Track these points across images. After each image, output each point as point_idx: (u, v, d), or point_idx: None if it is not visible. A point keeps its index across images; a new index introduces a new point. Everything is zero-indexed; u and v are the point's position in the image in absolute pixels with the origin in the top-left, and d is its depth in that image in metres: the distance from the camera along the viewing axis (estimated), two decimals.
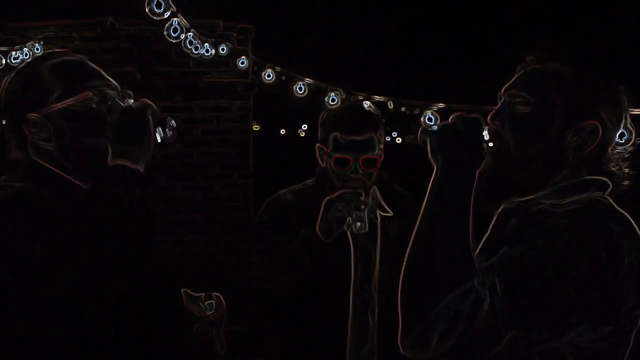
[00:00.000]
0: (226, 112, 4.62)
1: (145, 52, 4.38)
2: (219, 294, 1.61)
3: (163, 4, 3.41)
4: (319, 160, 1.97)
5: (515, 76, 1.26)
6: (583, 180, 1.18)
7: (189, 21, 4.02)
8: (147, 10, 3.36)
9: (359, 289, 1.90)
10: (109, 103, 1.33)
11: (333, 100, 4.35)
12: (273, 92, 4.37)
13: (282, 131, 11.73)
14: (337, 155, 1.88)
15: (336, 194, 1.81)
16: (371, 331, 1.91)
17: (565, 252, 1.04)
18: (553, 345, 1.08)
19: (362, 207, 1.78)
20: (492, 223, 1.28)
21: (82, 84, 1.30)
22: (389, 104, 4.48)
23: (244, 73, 4.53)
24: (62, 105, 1.28)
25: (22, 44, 4.29)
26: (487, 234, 1.26)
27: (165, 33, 3.77)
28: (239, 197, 4.64)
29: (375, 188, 1.97)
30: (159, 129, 1.33)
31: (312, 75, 4.44)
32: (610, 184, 1.20)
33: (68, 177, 1.32)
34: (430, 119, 4.22)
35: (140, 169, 1.28)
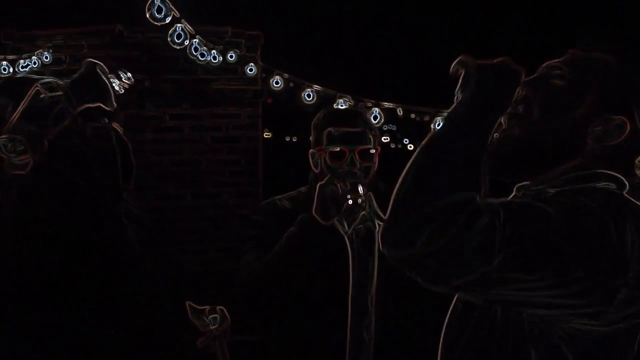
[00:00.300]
0: (235, 119, 4.60)
1: (153, 59, 4.37)
2: (223, 308, 1.59)
3: (164, 9, 3.40)
4: (312, 167, 1.91)
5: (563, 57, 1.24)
6: (595, 172, 1.15)
7: (197, 28, 4.01)
8: (147, 15, 3.36)
9: (354, 302, 1.80)
10: (57, 88, 1.41)
11: (342, 107, 4.33)
12: (281, 98, 4.36)
13: (294, 139, 11.74)
14: (332, 149, 1.81)
15: (329, 175, 1.74)
16: (365, 348, 1.80)
17: (571, 217, 1.02)
18: (542, 298, 1.03)
19: (357, 179, 1.72)
20: None
21: (27, 87, 1.38)
22: (398, 110, 4.46)
23: (252, 80, 4.52)
24: (20, 110, 1.35)
25: (31, 52, 4.30)
26: None
27: (169, 39, 3.76)
28: (248, 205, 4.61)
29: (372, 196, 1.87)
30: (115, 81, 1.43)
31: (320, 82, 4.42)
32: (627, 184, 1.15)
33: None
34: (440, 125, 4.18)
35: (108, 107, 1.36)
